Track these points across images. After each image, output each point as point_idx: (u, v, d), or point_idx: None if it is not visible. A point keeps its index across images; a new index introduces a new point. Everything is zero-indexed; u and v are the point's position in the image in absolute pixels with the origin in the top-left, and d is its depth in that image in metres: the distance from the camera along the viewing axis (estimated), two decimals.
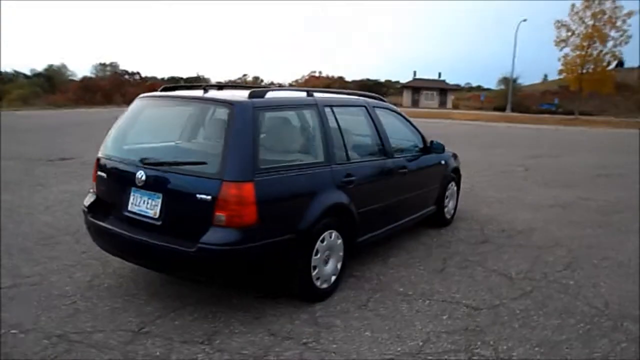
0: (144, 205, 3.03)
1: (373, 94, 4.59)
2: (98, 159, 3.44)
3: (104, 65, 49.70)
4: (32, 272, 3.67)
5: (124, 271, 3.71)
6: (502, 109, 42.65)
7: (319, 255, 3.27)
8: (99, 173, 3.40)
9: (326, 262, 3.39)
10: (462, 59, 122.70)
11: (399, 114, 4.71)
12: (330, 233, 3.36)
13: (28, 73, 44.58)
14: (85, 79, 40.28)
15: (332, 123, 3.57)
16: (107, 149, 3.43)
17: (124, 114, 3.55)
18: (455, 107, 51.38)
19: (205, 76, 53.83)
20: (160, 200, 2.95)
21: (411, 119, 4.87)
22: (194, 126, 3.58)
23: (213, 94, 3.39)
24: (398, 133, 4.53)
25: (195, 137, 3.58)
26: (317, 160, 3.40)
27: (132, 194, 3.10)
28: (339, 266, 3.51)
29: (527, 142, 17.00)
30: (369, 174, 3.86)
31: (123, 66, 50.80)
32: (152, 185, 2.97)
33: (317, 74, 61.26)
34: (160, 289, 3.44)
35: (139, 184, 3.01)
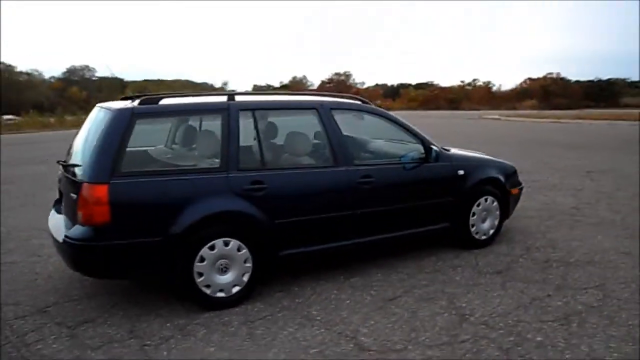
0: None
1: (354, 96, 4.18)
2: None
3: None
4: None
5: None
6: None
7: (205, 263, 3.22)
8: None
9: (223, 271, 3.30)
10: None
11: (390, 118, 4.17)
12: (226, 241, 3.27)
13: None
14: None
15: (246, 128, 3.45)
16: None
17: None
18: None
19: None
20: (63, 198, 3.36)
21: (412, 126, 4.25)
22: (90, 131, 3.85)
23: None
24: (380, 140, 4.03)
25: (87, 142, 3.60)
26: (209, 166, 3.34)
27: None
28: (244, 278, 3.37)
29: None
30: (296, 182, 3.56)
31: None
32: (61, 185, 3.41)
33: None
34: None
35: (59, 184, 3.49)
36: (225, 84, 64.10)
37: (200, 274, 3.22)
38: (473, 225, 4.46)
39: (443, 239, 4.55)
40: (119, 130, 3.06)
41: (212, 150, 3.41)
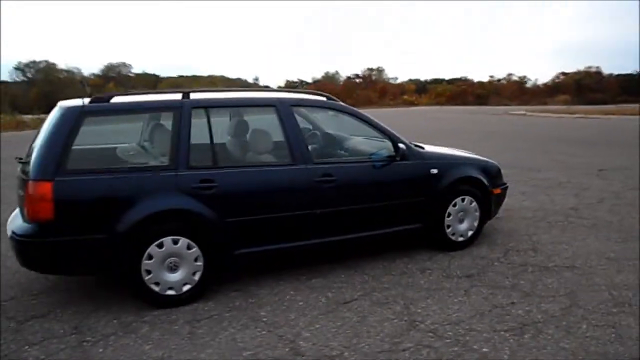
0: None
1: (319, 93, 4.07)
2: None
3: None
4: None
5: None
6: None
7: (153, 260, 3.20)
8: None
9: (173, 269, 3.28)
10: None
11: (357, 116, 4.04)
12: (175, 239, 3.24)
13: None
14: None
15: (199, 126, 3.40)
16: None
17: None
18: None
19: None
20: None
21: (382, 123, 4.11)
22: (44, 129, 3.81)
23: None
24: (346, 137, 3.92)
25: (39, 139, 3.51)
26: (159, 163, 3.31)
27: None
28: (195, 276, 3.34)
29: None
30: (249, 181, 3.49)
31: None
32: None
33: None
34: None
35: None
36: (256, 79, 64.68)
37: (149, 272, 3.20)
38: (449, 226, 4.30)
39: (420, 239, 4.41)
40: (65, 128, 3.06)
41: (164, 148, 3.37)
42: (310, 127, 4.50)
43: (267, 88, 4.42)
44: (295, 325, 3.07)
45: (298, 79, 59.28)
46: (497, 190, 4.62)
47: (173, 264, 3.27)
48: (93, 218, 3.08)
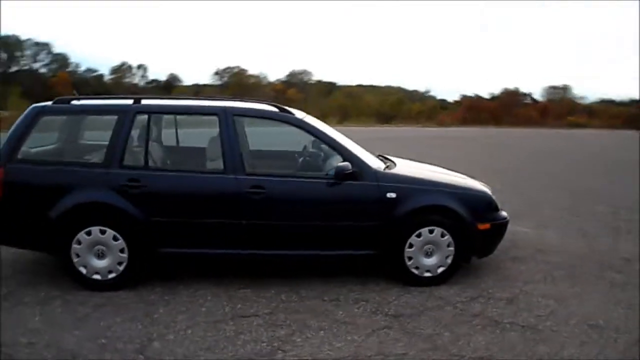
0: None
1: (272, 104, 4.02)
2: None
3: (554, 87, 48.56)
4: None
5: None
6: None
7: (81, 246, 3.58)
8: None
9: (100, 257, 3.63)
10: None
11: (307, 129, 3.90)
12: (103, 230, 3.58)
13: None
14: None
15: (139, 129, 3.70)
16: None
17: None
18: None
19: None
20: None
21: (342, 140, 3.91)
22: None
23: None
24: (289, 150, 3.84)
25: None
26: (97, 161, 3.67)
27: None
28: (120, 267, 3.64)
29: None
30: (176, 185, 3.65)
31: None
32: None
33: None
34: None
35: None
36: (427, 91, 64.58)
37: (78, 255, 3.60)
38: (410, 258, 3.89)
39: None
40: (23, 123, 3.63)
41: (98, 147, 3.76)
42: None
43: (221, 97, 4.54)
44: (172, 327, 3.17)
45: (474, 94, 56.47)
46: (484, 226, 4.00)
47: (100, 252, 3.62)
48: (34, 202, 3.58)
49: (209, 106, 4.04)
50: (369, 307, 3.57)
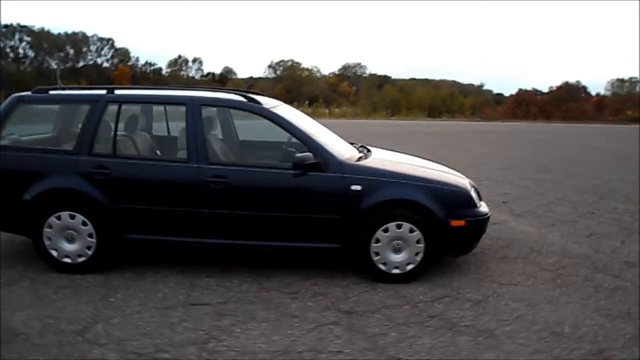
0: None
1: (242, 93, 3.98)
2: None
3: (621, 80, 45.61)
4: None
5: None
6: None
7: (52, 230, 3.73)
8: None
9: (70, 241, 3.76)
10: None
11: (274, 120, 3.83)
12: (72, 215, 3.72)
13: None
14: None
15: (109, 118, 3.79)
16: None
17: None
18: None
19: None
20: None
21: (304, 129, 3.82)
22: None
23: None
24: (254, 139, 3.82)
25: None
26: (65, 148, 3.79)
27: None
28: (89, 251, 3.77)
29: None
30: (140, 172, 3.73)
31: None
32: None
33: None
34: None
35: None
36: (481, 85, 62.71)
37: (49, 239, 3.75)
38: (377, 254, 3.77)
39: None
40: (4, 111, 3.82)
41: (74, 135, 3.87)
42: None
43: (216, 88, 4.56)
44: (122, 311, 3.25)
45: (532, 88, 53.88)
46: (459, 222, 3.81)
47: (70, 236, 3.76)
48: (10, 185, 3.76)
49: (177, 96, 4.10)
50: (326, 302, 3.50)
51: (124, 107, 3.88)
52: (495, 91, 61.33)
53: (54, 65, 66.68)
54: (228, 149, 4.16)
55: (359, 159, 4.05)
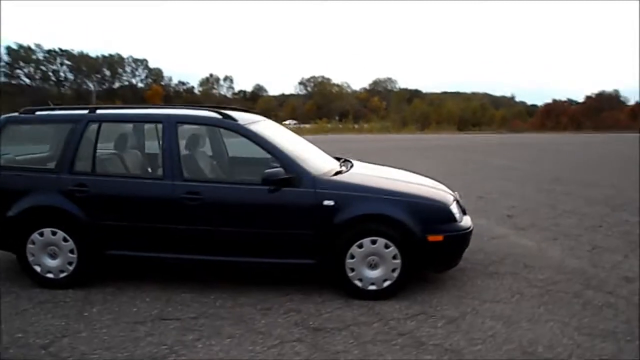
0: None
1: (218, 110, 4.02)
2: None
3: None
4: None
5: None
6: None
7: (35, 246, 3.84)
8: None
9: (52, 257, 3.86)
10: None
11: (248, 136, 3.86)
12: (54, 231, 3.82)
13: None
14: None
15: (90, 137, 3.90)
16: None
17: None
18: None
19: None
20: None
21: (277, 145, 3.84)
22: None
23: None
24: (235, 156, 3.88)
25: None
26: (48, 167, 3.92)
27: None
28: (70, 266, 3.85)
29: None
30: (119, 189, 3.81)
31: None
32: None
33: None
34: None
35: None
36: (512, 97, 61.74)
37: (32, 254, 3.87)
38: (353, 270, 3.72)
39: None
40: None
41: (57, 154, 4.00)
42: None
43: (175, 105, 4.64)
44: (92, 325, 3.30)
45: (567, 99, 52.61)
46: (437, 237, 3.72)
47: (52, 252, 3.86)
48: (2, 205, 3.88)
49: (154, 114, 4.20)
50: (297, 318, 3.46)
51: (105, 126, 3.99)
52: (530, 102, 60.18)
53: (91, 86, 69.34)
54: (205, 166, 4.21)
55: (337, 173, 4.02)
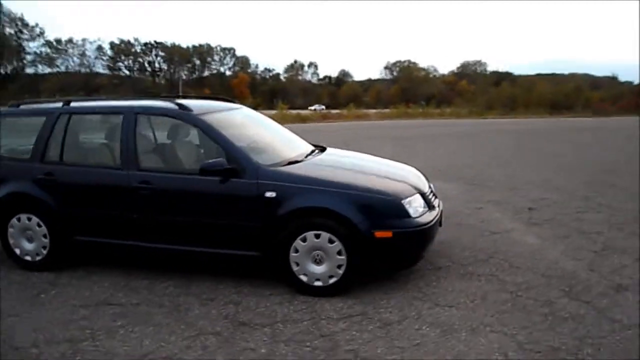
0: None
1: (177, 102, 4.01)
2: None
3: None
4: None
5: None
6: None
7: (13, 230, 4.14)
8: None
9: (30, 241, 4.15)
10: None
11: (202, 128, 3.86)
12: (29, 217, 4.10)
13: None
14: None
15: (60, 128, 4.11)
16: None
17: None
18: None
19: None
20: None
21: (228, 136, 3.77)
22: None
23: None
24: (181, 147, 3.92)
25: None
26: (24, 157, 4.18)
27: None
28: (44, 250, 4.12)
29: None
30: (82, 178, 4.00)
31: None
32: None
33: None
34: None
35: None
36: (614, 77, 56.73)
37: (12, 237, 4.18)
38: (297, 264, 3.59)
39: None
40: None
41: (29, 144, 4.24)
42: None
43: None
44: (36, 307, 3.48)
45: None
46: (385, 233, 3.46)
47: (30, 236, 4.15)
48: None
49: (116, 106, 4.35)
50: (231, 311, 3.41)
51: (73, 117, 4.18)
52: (637, 82, 54.42)
53: (183, 76, 73.65)
54: (165, 156, 4.26)
55: (289, 163, 3.88)
